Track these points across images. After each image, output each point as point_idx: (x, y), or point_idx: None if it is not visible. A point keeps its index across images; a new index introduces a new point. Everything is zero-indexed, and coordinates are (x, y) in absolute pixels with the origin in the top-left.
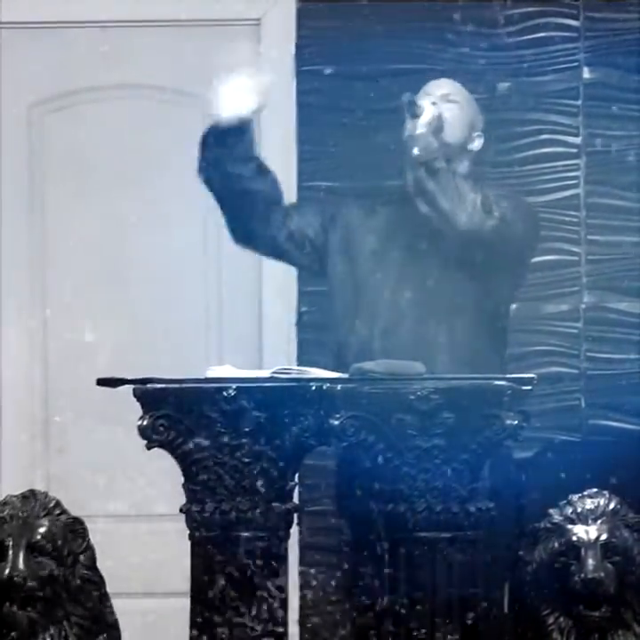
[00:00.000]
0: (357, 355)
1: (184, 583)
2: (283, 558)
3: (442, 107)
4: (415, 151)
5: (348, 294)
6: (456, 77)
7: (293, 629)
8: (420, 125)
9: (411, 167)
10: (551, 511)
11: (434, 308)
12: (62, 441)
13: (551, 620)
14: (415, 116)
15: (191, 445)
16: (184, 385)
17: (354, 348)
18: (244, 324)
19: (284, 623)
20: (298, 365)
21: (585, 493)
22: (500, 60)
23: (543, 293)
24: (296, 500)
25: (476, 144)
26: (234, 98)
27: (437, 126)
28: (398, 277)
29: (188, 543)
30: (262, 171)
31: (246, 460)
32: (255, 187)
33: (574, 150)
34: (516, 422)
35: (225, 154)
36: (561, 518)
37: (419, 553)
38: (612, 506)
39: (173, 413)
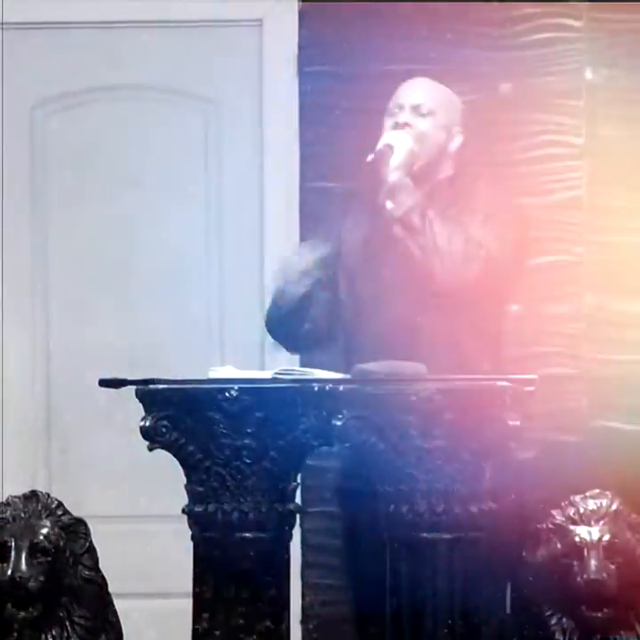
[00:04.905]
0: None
1: (186, 584)
2: (285, 559)
3: (414, 122)
4: (388, 205)
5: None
6: (457, 78)
7: (296, 630)
8: (392, 171)
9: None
10: (553, 512)
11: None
12: (64, 441)
13: (554, 620)
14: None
15: (193, 446)
16: (186, 386)
17: (357, 350)
18: (246, 325)
19: (287, 624)
20: (300, 366)
21: (587, 494)
22: (501, 61)
23: (545, 294)
24: (298, 500)
25: (456, 142)
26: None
27: (410, 160)
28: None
29: (190, 544)
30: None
31: (248, 460)
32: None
33: (576, 151)
34: (518, 423)
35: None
36: (563, 519)
37: (420, 554)
38: (614, 506)
39: (176, 414)
